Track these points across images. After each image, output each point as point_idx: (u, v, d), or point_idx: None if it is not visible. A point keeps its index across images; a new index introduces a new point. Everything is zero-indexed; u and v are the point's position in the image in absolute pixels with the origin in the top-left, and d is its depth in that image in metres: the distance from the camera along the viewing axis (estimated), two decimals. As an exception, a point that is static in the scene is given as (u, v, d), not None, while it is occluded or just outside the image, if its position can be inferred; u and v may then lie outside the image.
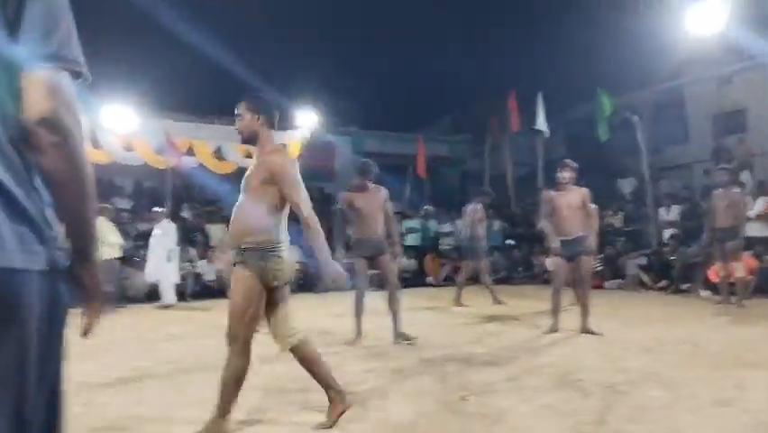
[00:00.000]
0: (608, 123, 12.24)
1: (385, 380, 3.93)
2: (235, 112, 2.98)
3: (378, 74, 16.76)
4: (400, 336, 5.34)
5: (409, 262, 12.43)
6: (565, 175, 5.68)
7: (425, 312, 7.70)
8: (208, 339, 5.61)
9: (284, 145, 3.05)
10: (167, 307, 9.01)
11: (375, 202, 5.47)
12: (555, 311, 5.75)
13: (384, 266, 5.48)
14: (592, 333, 5.47)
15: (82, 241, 1.14)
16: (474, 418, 3.03)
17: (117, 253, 8.90)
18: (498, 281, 11.12)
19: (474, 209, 8.39)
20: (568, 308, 7.45)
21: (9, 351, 0.98)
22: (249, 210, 2.83)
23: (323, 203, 16.07)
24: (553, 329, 5.69)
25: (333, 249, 3.60)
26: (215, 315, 6.18)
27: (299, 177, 2.85)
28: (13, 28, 1.01)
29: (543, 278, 11.94)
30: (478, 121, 16.40)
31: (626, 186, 14.00)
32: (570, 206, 5.62)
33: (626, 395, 3.39)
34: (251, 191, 2.85)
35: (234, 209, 2.91)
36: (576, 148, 13.99)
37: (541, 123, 13.13)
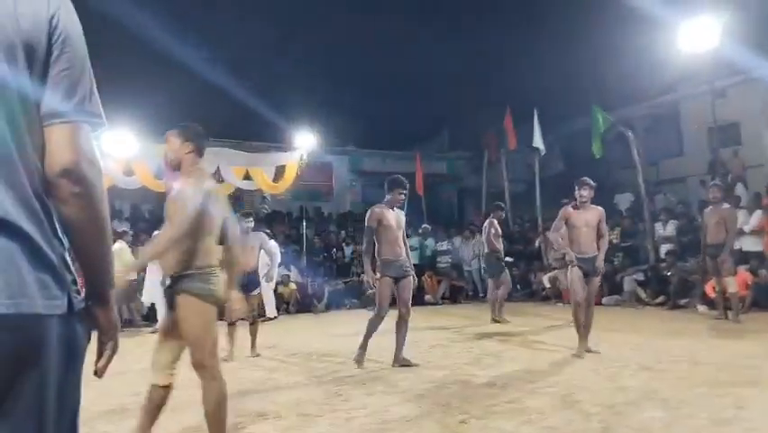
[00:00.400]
0: (603, 138, 12.36)
1: (385, 403, 3.94)
2: (165, 141, 2.98)
3: (374, 93, 16.92)
4: (401, 361, 5.32)
5: (408, 281, 12.41)
6: (584, 193, 5.62)
7: (425, 332, 7.70)
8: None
9: (202, 171, 2.98)
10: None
11: (401, 221, 5.39)
12: (581, 328, 5.54)
13: (407, 289, 5.37)
14: (590, 351, 5.49)
15: (98, 284, 1.19)
16: (475, 442, 3.04)
17: (135, 276, 9.01)
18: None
19: (490, 223, 8.50)
20: (562, 325, 7.48)
21: (30, 393, 1.03)
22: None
23: (321, 223, 16.15)
24: (583, 350, 5.46)
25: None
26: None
27: (196, 204, 2.72)
28: (39, 85, 1.08)
29: (541, 295, 11.98)
30: (475, 138, 16.54)
31: (623, 201, 14.08)
32: (587, 224, 5.60)
33: (627, 416, 3.40)
34: (170, 218, 2.79)
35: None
36: (572, 164, 14.11)
37: (537, 140, 13.24)
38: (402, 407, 3.81)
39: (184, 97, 13.86)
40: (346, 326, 9.04)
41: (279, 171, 13.37)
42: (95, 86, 1.16)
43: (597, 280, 5.73)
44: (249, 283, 5.92)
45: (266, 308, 9.94)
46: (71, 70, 1.11)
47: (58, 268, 1.08)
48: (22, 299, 1.01)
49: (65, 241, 1.13)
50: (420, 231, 13.82)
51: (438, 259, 13.61)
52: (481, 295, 12.24)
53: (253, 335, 6.16)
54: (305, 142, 13.76)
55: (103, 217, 1.14)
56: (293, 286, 11.68)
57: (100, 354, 1.25)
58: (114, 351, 1.26)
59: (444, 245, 13.84)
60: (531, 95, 14.27)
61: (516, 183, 15.77)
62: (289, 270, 11.87)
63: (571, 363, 5.13)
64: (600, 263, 5.65)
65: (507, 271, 8.68)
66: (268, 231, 10.99)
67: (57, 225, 1.11)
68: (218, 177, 12.77)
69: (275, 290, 10.70)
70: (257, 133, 14.71)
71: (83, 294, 1.16)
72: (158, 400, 2.81)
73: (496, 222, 8.57)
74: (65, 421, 1.11)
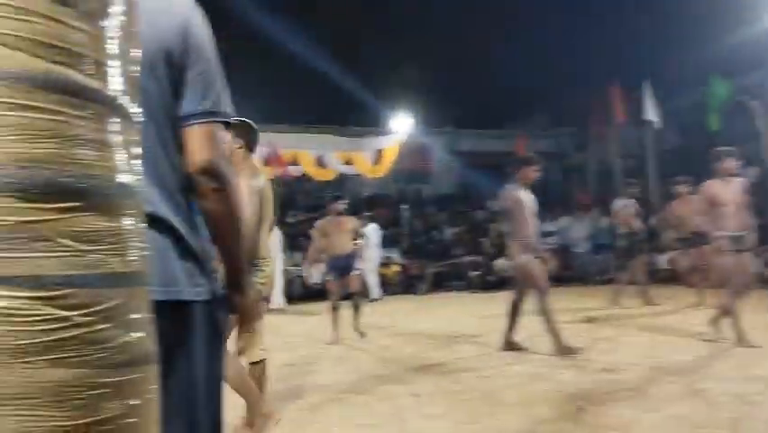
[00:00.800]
0: (722, 109, 11.38)
1: (495, 385, 3.90)
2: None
3: (472, 70, 16.56)
4: (512, 345, 5.16)
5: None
6: (729, 165, 5.10)
7: (530, 316, 7.52)
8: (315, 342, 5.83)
9: (254, 167, 3.07)
10: (275, 310, 9.44)
11: (533, 200, 5.21)
12: (734, 316, 4.96)
13: (543, 270, 5.14)
14: (721, 338, 5.06)
15: (235, 272, 1.28)
16: (598, 429, 2.94)
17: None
18: (607, 282, 10.65)
19: (624, 205, 8.08)
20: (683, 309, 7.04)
21: (181, 376, 1.12)
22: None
23: (420, 205, 16.20)
24: (742, 339, 4.87)
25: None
26: (321, 319, 6.39)
27: (252, 202, 2.84)
28: (178, 89, 1.17)
29: (657, 278, 11.30)
30: (580, 113, 15.79)
31: (748, 176, 12.91)
32: (735, 199, 5.08)
33: (760, 407, 3.14)
34: None
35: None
36: (689, 138, 13.12)
37: (649, 112, 12.42)
38: (513, 390, 3.76)
39: (286, 86, 14.34)
40: (449, 307, 9.07)
41: (379, 155, 13.54)
42: (225, 85, 1.24)
43: (748, 260, 5.14)
44: (346, 266, 6.09)
45: (370, 289, 10.18)
46: (205, 74, 1.18)
47: (200, 258, 1.17)
48: (173, 287, 1.10)
49: (205, 232, 1.21)
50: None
51: (543, 241, 13.23)
52: (597, 278, 11.76)
53: (357, 316, 6.24)
54: (402, 124, 13.85)
55: (236, 211, 1.22)
56: (395, 268, 11.86)
57: (239, 337, 1.33)
58: (251, 333, 1.34)
59: (550, 226, 13.43)
60: (640, 65, 13.36)
61: (625, 159, 14.92)
62: (391, 252, 12.05)
63: (695, 350, 4.80)
64: (753, 239, 5.12)
65: (642, 252, 8.17)
66: (368, 214, 11.23)
67: (198, 218, 1.20)
68: (321, 163, 13.18)
69: (378, 272, 10.93)
70: (357, 119, 14.94)
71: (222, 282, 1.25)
72: (259, 373, 2.97)
73: (628, 201, 8.09)
74: (212, 399, 1.19)
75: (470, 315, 7.82)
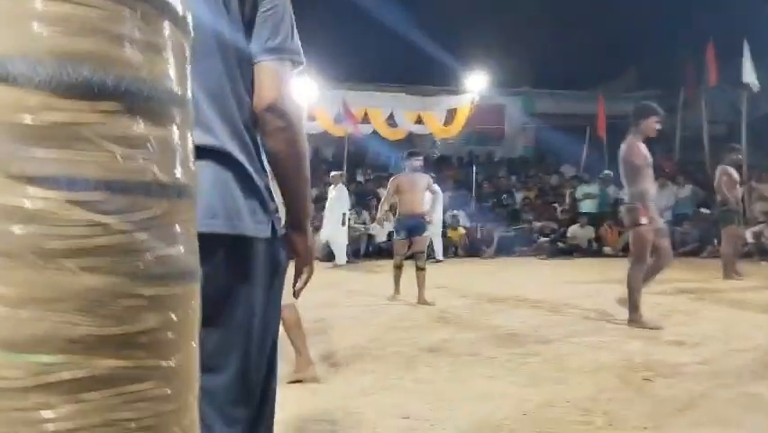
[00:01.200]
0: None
1: (561, 352, 3.80)
2: None
3: (550, 28, 15.82)
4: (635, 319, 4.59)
5: (585, 231, 11.81)
6: None
7: (603, 285, 7.28)
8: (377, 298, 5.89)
9: None
10: (340, 266, 9.61)
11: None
12: None
13: (667, 239, 4.85)
14: None
15: (297, 212, 1.28)
16: (664, 401, 2.81)
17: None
18: (687, 254, 10.14)
19: (723, 171, 7.46)
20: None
21: (240, 307, 1.14)
22: None
23: (491, 167, 15.86)
24: None
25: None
26: (385, 277, 6.39)
27: None
28: (248, 27, 1.16)
29: (742, 251, 10.62)
30: (668, 74, 14.81)
31: None
32: None
33: None
34: None
35: None
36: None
37: (748, 74, 11.45)
38: (578, 358, 3.65)
39: (360, 44, 14.23)
40: (516, 272, 8.92)
41: (450, 115, 13.30)
42: (295, 26, 1.21)
43: None
44: (416, 226, 5.90)
45: (435, 251, 10.13)
46: (274, 11, 1.16)
47: (264, 196, 1.17)
48: (237, 222, 1.11)
49: (269, 171, 1.21)
50: (601, 177, 12.92)
51: (620, 208, 12.69)
52: (680, 250, 11.19)
53: (421, 278, 5.90)
54: (476, 84, 13.49)
55: (302, 151, 1.21)
56: (462, 231, 11.74)
57: (297, 278, 1.34)
58: (309, 275, 1.34)
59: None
60: (738, 24, 12.28)
61: (715, 125, 13.95)
62: (458, 214, 11.91)
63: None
64: None
65: (736, 224, 7.61)
66: (434, 175, 11.09)
67: (263, 157, 1.20)
68: (392, 122, 13.10)
69: (443, 234, 10.85)
70: (430, 78, 14.68)
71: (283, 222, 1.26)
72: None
73: (730, 168, 7.45)
74: (268, 336, 1.21)
75: (538, 281, 7.64)
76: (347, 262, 9.89)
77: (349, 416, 2.59)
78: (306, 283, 1.35)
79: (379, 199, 12.43)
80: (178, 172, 0.66)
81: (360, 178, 13.58)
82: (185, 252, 0.66)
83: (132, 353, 0.60)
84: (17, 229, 0.57)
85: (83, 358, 0.58)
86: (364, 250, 10.83)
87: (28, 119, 0.57)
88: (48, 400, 0.58)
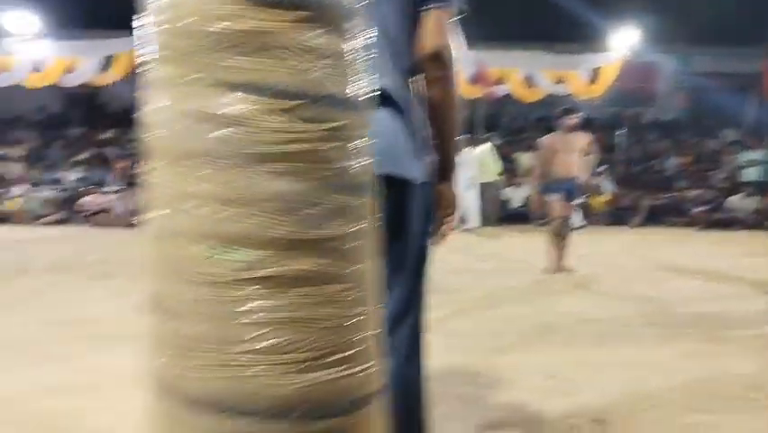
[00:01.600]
0: None
1: (715, 324, 3.52)
2: None
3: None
4: None
5: (748, 201, 10.67)
6: None
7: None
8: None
9: None
10: (471, 230, 9.49)
11: None
12: None
13: None
14: None
15: (447, 161, 1.32)
16: None
17: (493, 178, 10.24)
18: None
19: None
20: None
21: (401, 239, 1.24)
22: None
23: (638, 131, 14.73)
24: None
25: None
26: (517, 241, 6.20)
27: None
28: None
29: None
30: None
31: None
32: None
33: None
34: None
35: None
36: None
37: None
38: (741, 332, 3.35)
39: (497, 1, 13.72)
40: (665, 243, 8.31)
41: (596, 74, 12.49)
42: None
43: None
44: (569, 190, 5.40)
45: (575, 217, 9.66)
46: None
47: (419, 142, 1.24)
48: (401, 166, 1.19)
49: (424, 119, 1.27)
50: (766, 142, 11.54)
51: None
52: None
53: (563, 244, 5.45)
54: (625, 40, 12.52)
55: (455, 100, 1.25)
56: (605, 197, 11.11)
57: (440, 225, 1.38)
58: (453, 221, 1.39)
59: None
60: None
61: None
62: (602, 180, 11.27)
63: None
64: None
65: None
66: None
67: (419, 104, 1.25)
68: (530, 82, 12.58)
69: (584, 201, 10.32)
70: (571, 34, 13.81)
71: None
72: None
73: None
74: (422, 268, 1.32)
75: (691, 253, 7.02)
76: (480, 226, 9.77)
77: (492, 372, 2.58)
78: (448, 230, 1.39)
79: (513, 163, 12.12)
80: (358, 87, 0.67)
81: (494, 141, 13.26)
82: (362, 164, 0.67)
83: (322, 256, 0.63)
84: (220, 133, 0.61)
85: (279, 257, 0.62)
86: (498, 215, 10.63)
87: (223, 26, 0.60)
88: (247, 293, 0.62)
